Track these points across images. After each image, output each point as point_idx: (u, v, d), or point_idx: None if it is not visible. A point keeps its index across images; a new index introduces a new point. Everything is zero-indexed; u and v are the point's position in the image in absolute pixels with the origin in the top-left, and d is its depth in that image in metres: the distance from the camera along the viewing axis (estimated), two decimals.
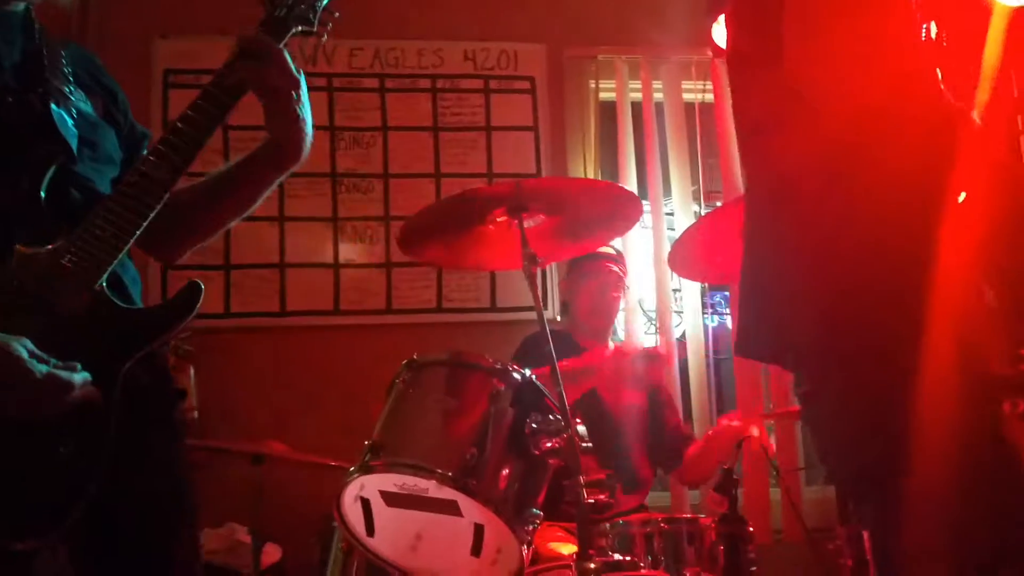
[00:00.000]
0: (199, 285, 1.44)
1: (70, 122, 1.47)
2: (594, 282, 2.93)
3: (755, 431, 2.69)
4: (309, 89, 1.57)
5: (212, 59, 1.62)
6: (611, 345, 3.03)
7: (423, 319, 3.64)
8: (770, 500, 3.53)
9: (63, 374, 1.28)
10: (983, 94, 1.44)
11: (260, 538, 2.51)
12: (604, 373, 2.56)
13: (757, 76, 1.43)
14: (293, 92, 1.52)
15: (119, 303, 1.42)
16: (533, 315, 3.52)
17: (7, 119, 1.42)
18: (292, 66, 1.52)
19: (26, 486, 1.29)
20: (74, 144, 1.46)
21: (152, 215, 1.42)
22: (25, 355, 1.25)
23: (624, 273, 3.01)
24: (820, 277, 1.33)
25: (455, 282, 3.69)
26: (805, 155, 1.35)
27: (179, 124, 1.46)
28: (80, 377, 1.30)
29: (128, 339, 1.39)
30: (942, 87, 1.35)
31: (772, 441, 2.73)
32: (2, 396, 1.25)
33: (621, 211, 2.11)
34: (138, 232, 1.41)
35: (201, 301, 1.43)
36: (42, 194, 1.39)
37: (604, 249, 2.94)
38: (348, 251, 3.68)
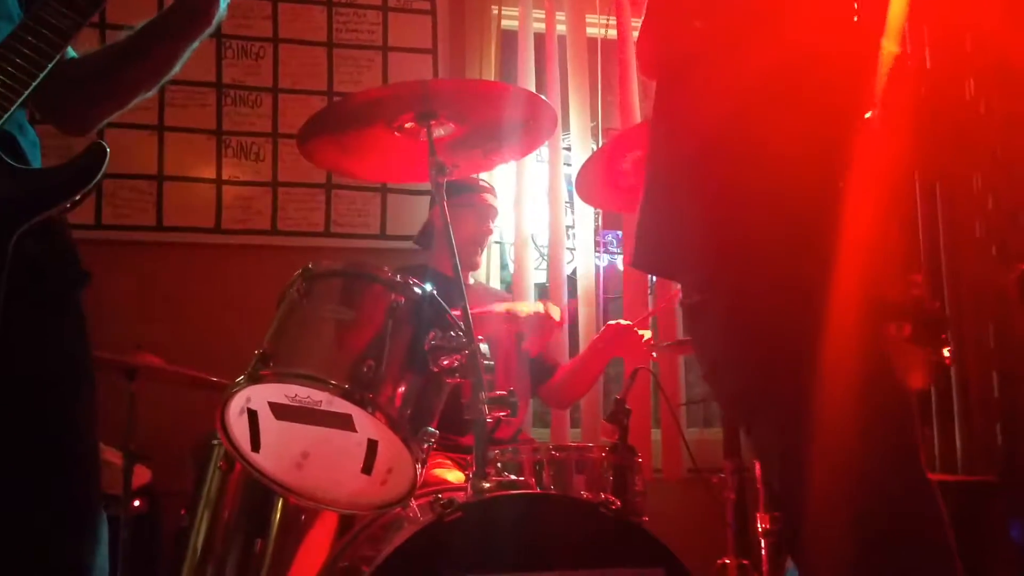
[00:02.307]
0: (103, 147, 1.29)
1: None
2: (474, 213, 2.85)
3: (646, 333, 2.76)
4: None
5: None
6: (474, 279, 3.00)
7: (310, 242, 3.49)
8: (651, 440, 3.57)
9: None
10: (890, 44, 1.45)
11: (131, 459, 2.37)
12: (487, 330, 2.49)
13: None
14: None
15: (12, 163, 1.26)
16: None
17: None
18: None
19: None
20: None
21: (50, 66, 1.26)
22: None
23: (497, 207, 2.98)
24: (716, 194, 1.34)
25: (345, 206, 3.56)
26: (713, 95, 1.35)
27: None
28: None
29: (22, 203, 1.23)
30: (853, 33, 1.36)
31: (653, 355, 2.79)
32: None
33: (535, 121, 2.03)
34: (34, 83, 1.25)
35: (107, 165, 1.28)
36: None
37: (480, 181, 2.91)
38: (232, 167, 3.48)
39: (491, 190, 2.95)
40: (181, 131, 3.44)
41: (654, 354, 2.84)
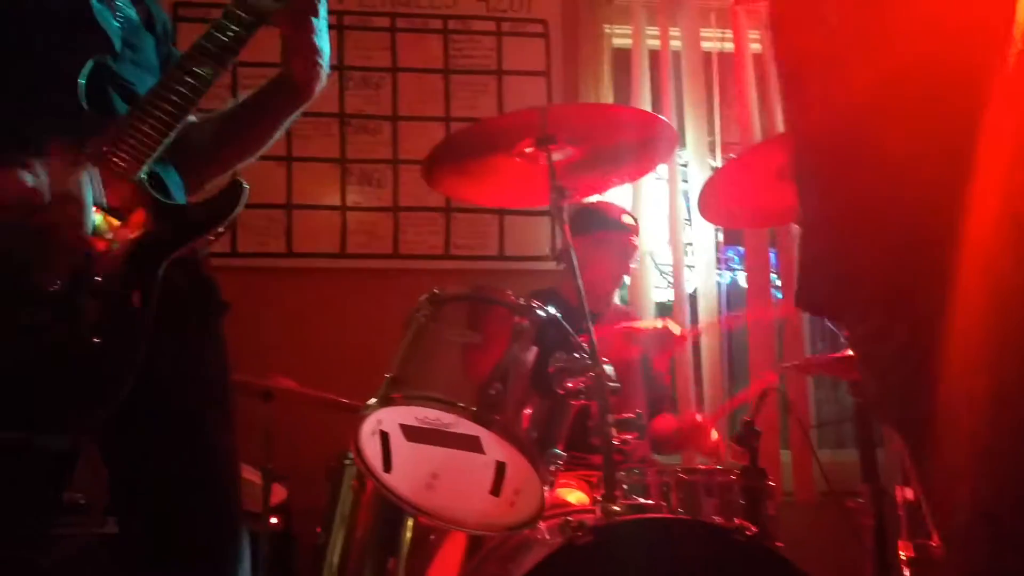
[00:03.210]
0: (242, 184, 1.38)
1: (116, 24, 1.41)
2: (615, 252, 2.82)
3: (714, 434, 2.76)
4: None
5: None
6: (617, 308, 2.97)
7: (430, 265, 3.56)
8: (780, 462, 3.47)
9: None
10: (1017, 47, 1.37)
11: (269, 477, 2.46)
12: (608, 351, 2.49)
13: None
14: (314, 20, 1.47)
15: (161, 199, 1.36)
16: (540, 265, 3.51)
17: (48, 6, 1.36)
18: None
19: (59, 376, 1.25)
20: (117, 42, 1.40)
21: (192, 110, 1.37)
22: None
23: (639, 245, 2.95)
24: (841, 212, 1.28)
25: (464, 228, 3.61)
26: (833, 99, 1.29)
27: (212, 31, 1.40)
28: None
29: (169, 237, 1.33)
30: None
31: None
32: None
33: (654, 141, 2.03)
34: (178, 126, 1.35)
35: (245, 200, 1.36)
36: (81, 81, 1.33)
37: (626, 218, 2.86)
38: (355, 194, 3.59)
39: (635, 230, 2.88)
40: (307, 160, 3.56)
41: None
